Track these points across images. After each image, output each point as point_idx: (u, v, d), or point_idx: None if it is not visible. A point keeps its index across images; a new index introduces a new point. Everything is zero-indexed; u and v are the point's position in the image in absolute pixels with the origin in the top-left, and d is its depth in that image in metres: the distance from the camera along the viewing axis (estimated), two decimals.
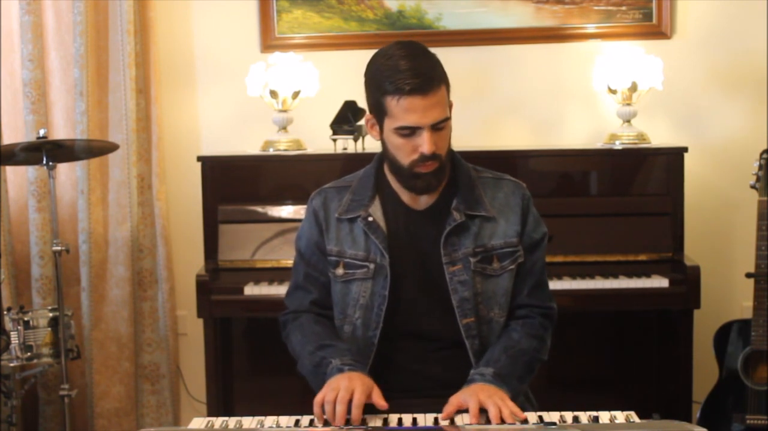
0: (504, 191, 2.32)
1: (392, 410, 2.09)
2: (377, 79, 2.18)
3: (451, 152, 2.30)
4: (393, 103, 2.14)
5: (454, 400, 2.07)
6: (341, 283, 2.30)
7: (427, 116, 2.13)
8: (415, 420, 2.05)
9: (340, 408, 2.01)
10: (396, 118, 2.16)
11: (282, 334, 2.40)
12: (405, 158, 2.19)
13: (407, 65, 2.13)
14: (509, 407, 2.02)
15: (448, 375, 2.23)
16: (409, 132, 2.16)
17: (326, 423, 2.03)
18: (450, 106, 2.24)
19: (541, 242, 2.34)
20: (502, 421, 1.99)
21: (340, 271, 2.30)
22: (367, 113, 2.27)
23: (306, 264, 2.36)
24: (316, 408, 2.05)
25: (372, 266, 2.27)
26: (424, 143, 2.15)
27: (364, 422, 2.03)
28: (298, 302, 2.38)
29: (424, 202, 2.29)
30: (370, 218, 2.28)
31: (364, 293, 2.27)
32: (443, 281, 2.25)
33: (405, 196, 2.29)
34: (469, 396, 2.06)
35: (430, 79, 2.12)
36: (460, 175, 2.30)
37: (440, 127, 2.16)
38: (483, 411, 2.03)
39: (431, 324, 2.28)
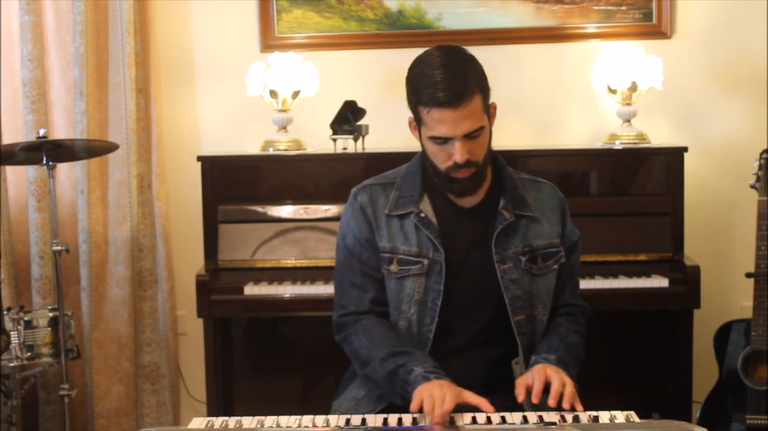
0: (544, 193, 2.38)
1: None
2: (414, 86, 2.21)
3: (493, 154, 2.34)
4: (425, 113, 2.18)
5: (522, 381, 2.13)
6: (396, 280, 2.30)
7: (459, 127, 2.15)
8: (415, 420, 2.05)
9: (439, 411, 2.01)
10: (429, 127, 2.19)
11: (336, 335, 2.37)
12: (441, 164, 2.23)
13: (442, 76, 2.15)
14: (573, 391, 2.08)
15: (487, 374, 2.26)
16: (442, 141, 2.19)
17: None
18: (492, 108, 2.26)
19: (578, 244, 2.41)
20: (503, 420, 2.01)
21: (394, 267, 2.30)
22: (410, 115, 2.28)
23: (358, 261, 2.34)
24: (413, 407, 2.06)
25: (426, 261, 2.28)
26: (457, 153, 2.18)
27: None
28: (356, 301, 2.34)
29: (470, 200, 2.31)
30: (422, 214, 2.29)
31: (419, 289, 2.29)
32: (494, 279, 2.28)
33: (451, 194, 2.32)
34: (537, 371, 2.12)
35: (461, 92, 2.14)
36: (504, 176, 2.34)
37: (474, 136, 2.18)
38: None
39: (479, 321, 2.31)
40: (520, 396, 2.11)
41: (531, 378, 2.13)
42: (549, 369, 2.13)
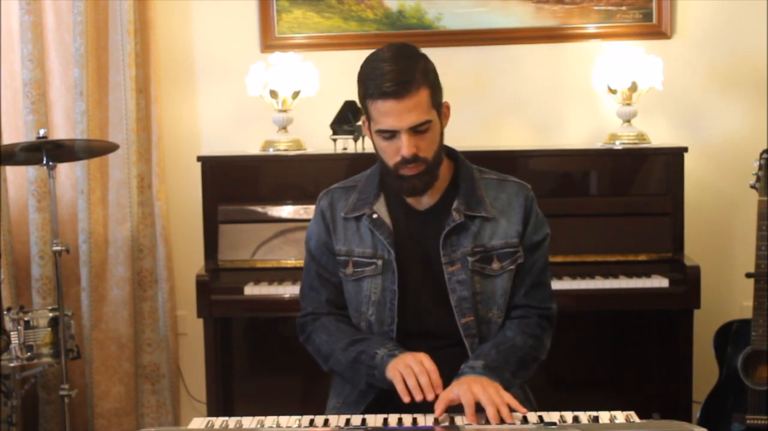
0: (507, 192, 2.33)
1: (393, 410, 2.10)
2: (362, 82, 2.21)
3: (454, 153, 2.33)
4: (372, 106, 2.18)
5: (446, 395, 2.07)
6: (352, 281, 2.32)
7: (404, 119, 2.14)
8: (415, 419, 2.05)
9: (424, 379, 2.06)
10: (376, 121, 2.19)
11: (300, 337, 2.40)
12: (390, 160, 2.22)
13: (388, 68, 2.15)
14: (505, 399, 2.02)
15: (451, 374, 2.24)
16: (389, 135, 2.18)
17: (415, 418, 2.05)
18: (445, 107, 2.25)
19: (541, 243, 2.34)
20: (502, 421, 1.99)
21: (349, 270, 2.31)
22: (364, 115, 2.28)
23: (317, 265, 2.37)
24: (405, 398, 2.07)
25: (380, 262, 2.28)
26: (403, 146, 2.17)
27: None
28: (315, 302, 2.37)
29: (425, 202, 2.30)
30: (375, 216, 2.29)
31: (375, 290, 2.29)
32: (443, 281, 2.27)
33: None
34: (463, 391, 2.05)
35: (406, 82, 2.13)
36: (462, 176, 2.32)
37: (421, 130, 2.17)
38: (479, 407, 2.03)
39: (435, 322, 2.30)
40: (438, 411, 2.03)
41: (455, 394, 2.06)
42: (475, 386, 2.05)
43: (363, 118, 2.28)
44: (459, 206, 2.27)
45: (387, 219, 2.29)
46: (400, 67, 2.15)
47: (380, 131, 2.19)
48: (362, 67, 2.23)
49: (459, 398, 2.04)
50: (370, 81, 2.17)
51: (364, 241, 2.30)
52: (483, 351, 2.23)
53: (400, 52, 2.20)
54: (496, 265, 2.29)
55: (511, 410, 2.02)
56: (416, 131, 2.16)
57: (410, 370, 2.08)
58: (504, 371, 2.19)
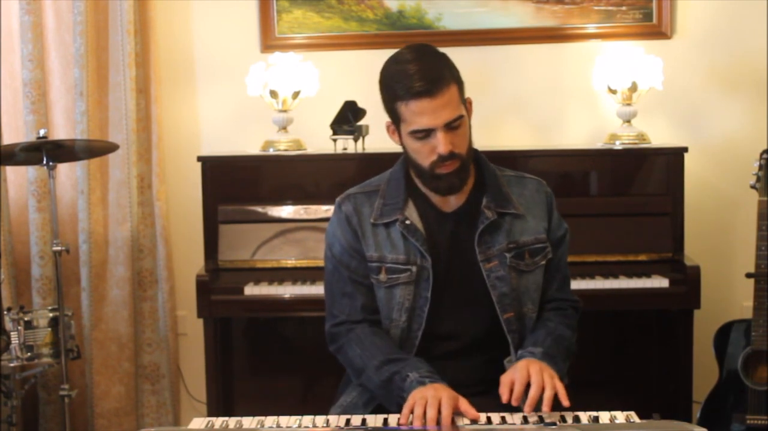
0: (529, 189, 2.36)
1: (400, 411, 2.09)
2: (388, 85, 2.20)
3: (475, 152, 2.33)
4: (404, 107, 2.17)
5: (506, 380, 2.09)
6: (385, 288, 2.29)
7: (439, 116, 2.14)
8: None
9: (432, 412, 2.00)
10: (409, 122, 2.18)
11: (330, 346, 2.36)
12: (425, 161, 2.21)
13: (414, 68, 2.15)
14: (557, 387, 2.05)
15: (481, 376, 2.24)
16: (424, 135, 2.18)
17: None
18: (468, 103, 2.26)
19: (564, 238, 2.39)
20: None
21: (382, 276, 2.28)
22: (387, 119, 2.27)
23: (347, 269, 2.32)
24: (403, 419, 2.04)
25: (414, 268, 2.26)
26: (440, 144, 2.16)
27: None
28: (348, 309, 2.32)
29: (453, 204, 2.30)
30: (408, 221, 2.27)
31: (409, 297, 2.27)
32: (480, 279, 2.26)
33: (435, 198, 2.30)
34: (519, 371, 2.08)
35: (436, 79, 2.13)
36: (486, 175, 2.32)
37: (455, 125, 2.17)
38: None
39: (470, 323, 2.30)
40: (504, 395, 2.07)
41: (513, 377, 2.09)
42: (532, 367, 2.09)
43: (387, 122, 2.26)
44: (489, 204, 2.28)
45: (419, 225, 2.28)
46: (426, 65, 2.15)
47: (414, 132, 2.18)
48: (384, 71, 2.22)
49: (515, 381, 2.07)
50: (397, 84, 2.16)
51: (397, 247, 2.28)
52: (539, 339, 2.24)
53: (422, 51, 2.20)
54: (528, 260, 2.30)
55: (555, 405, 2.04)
56: (450, 127, 2.16)
57: (423, 401, 2.03)
58: (558, 360, 2.21)
